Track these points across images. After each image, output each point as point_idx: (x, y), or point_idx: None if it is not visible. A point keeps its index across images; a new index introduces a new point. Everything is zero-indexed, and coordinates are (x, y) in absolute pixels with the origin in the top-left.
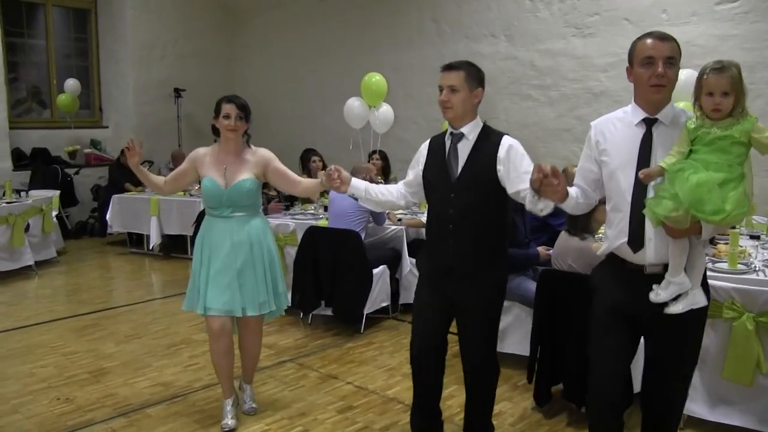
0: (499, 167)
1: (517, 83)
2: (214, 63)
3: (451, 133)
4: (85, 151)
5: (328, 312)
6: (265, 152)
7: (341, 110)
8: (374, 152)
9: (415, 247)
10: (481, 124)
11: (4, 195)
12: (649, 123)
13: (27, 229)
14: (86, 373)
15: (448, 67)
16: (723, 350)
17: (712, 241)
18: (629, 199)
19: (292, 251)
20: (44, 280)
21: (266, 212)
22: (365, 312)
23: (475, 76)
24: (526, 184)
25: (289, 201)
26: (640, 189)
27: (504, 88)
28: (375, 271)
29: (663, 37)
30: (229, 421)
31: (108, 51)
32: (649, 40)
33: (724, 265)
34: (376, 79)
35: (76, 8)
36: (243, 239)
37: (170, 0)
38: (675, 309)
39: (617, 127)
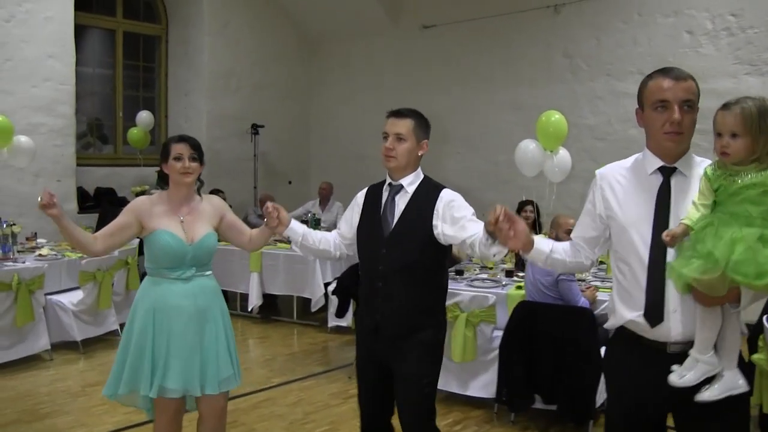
0: (436, 222)
1: None
2: (292, 96)
3: (390, 185)
4: (152, 192)
5: (537, 405)
6: (219, 200)
7: (448, 152)
8: (527, 202)
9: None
10: (422, 176)
11: None
12: (666, 172)
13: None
14: None
15: (396, 114)
16: None
17: None
18: (646, 261)
19: (486, 329)
20: None
21: None
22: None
23: (423, 126)
24: (470, 232)
25: None
26: (659, 249)
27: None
28: None
29: (679, 77)
30: None
31: (177, 81)
32: (663, 80)
33: None
34: (555, 118)
35: (145, 35)
36: (208, 305)
37: (247, 25)
38: (710, 395)
39: (627, 177)
